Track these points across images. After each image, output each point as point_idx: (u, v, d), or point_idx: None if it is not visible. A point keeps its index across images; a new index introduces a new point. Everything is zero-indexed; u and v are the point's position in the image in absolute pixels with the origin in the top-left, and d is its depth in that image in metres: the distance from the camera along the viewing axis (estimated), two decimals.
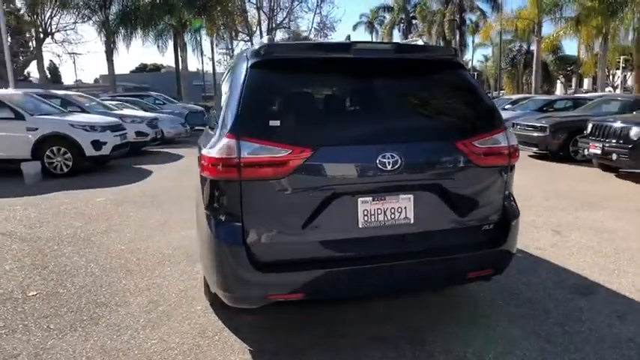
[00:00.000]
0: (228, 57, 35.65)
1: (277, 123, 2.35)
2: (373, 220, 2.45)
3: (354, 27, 51.75)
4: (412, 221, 2.49)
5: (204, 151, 2.49)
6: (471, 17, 37.65)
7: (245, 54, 2.66)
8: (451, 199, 2.55)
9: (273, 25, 29.03)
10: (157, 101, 18.97)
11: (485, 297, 3.29)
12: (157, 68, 60.15)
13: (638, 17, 18.74)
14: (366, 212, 2.44)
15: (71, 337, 2.83)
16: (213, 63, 31.81)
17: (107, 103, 13.28)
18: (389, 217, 2.47)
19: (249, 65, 2.50)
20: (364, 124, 2.51)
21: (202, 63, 36.88)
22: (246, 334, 2.82)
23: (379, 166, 2.38)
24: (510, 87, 32.87)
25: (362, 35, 50.39)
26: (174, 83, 29.11)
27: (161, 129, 12.73)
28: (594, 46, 20.00)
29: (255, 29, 30.04)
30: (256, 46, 2.63)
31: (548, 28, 20.81)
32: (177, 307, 3.21)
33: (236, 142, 2.30)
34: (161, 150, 12.66)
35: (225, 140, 2.32)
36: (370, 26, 52.54)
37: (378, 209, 2.45)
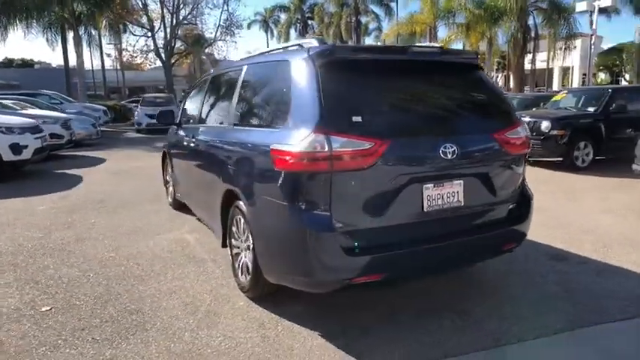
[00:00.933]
0: (128, 53, 33.28)
1: (359, 119, 2.53)
2: (434, 204, 2.75)
3: (249, 25, 51.30)
4: (462, 203, 2.85)
5: (280, 147, 2.58)
6: (363, 20, 39.72)
7: (304, 53, 2.77)
8: (490, 183, 2.96)
9: (176, 21, 27.84)
10: (52, 100, 17.20)
11: (487, 271, 3.77)
12: (26, 64, 53.80)
13: (514, 25, 21.47)
14: (429, 197, 2.73)
15: (127, 345, 2.71)
16: (103, 58, 29.48)
17: (4, 102, 11.79)
18: (445, 201, 2.79)
19: (317, 64, 2.64)
20: (426, 118, 2.82)
21: (102, 59, 33.68)
22: (305, 321, 2.94)
23: (441, 155, 2.69)
24: None
25: (257, 34, 50.33)
26: (51, 81, 26.61)
27: (73, 130, 11.68)
28: (479, 49, 22.57)
29: (158, 24, 28.56)
30: (317, 47, 2.77)
31: (442, 32, 23.25)
32: (219, 306, 3.20)
33: (325, 137, 2.44)
34: (76, 153, 11.62)
35: (314, 135, 2.45)
36: (265, 25, 52.64)
37: (437, 194, 2.76)
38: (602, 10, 20.89)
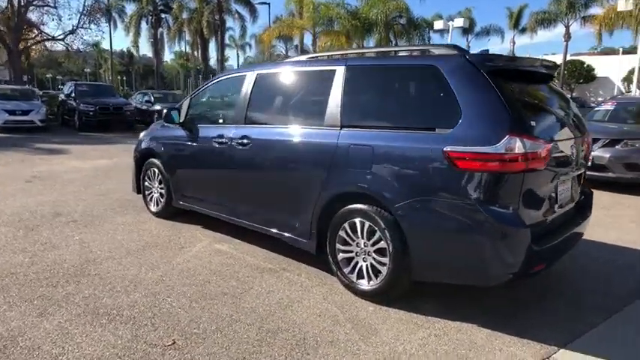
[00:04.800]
0: None
1: (534, 122, 2.77)
2: (561, 197, 3.14)
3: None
4: (571, 197, 3.31)
5: (464, 149, 2.67)
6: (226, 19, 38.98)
7: (460, 59, 2.90)
8: (579, 181, 3.50)
9: (23, 3, 23.32)
10: None
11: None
12: None
13: (381, 36, 23.64)
14: (560, 192, 3.11)
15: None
16: None
17: None
18: (566, 195, 3.21)
19: (483, 70, 2.80)
20: (562, 120, 3.18)
21: None
22: (450, 314, 3.04)
23: (574, 153, 3.11)
24: None
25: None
26: None
27: None
28: None
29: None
30: (473, 53, 2.94)
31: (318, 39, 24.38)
32: (360, 314, 3.09)
33: (520, 140, 2.62)
34: None
35: (512, 138, 2.60)
36: (108, 15, 47.75)
37: (564, 188, 3.16)
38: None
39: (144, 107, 18.93)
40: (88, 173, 8.14)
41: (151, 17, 45.57)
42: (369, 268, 3.23)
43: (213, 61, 42.27)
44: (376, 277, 3.19)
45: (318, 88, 3.68)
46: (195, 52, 53.15)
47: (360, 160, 3.17)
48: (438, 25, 22.06)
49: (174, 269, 3.78)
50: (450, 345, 2.72)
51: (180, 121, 4.73)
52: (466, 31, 37.55)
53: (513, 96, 2.83)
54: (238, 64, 66.08)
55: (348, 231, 3.31)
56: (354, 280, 3.31)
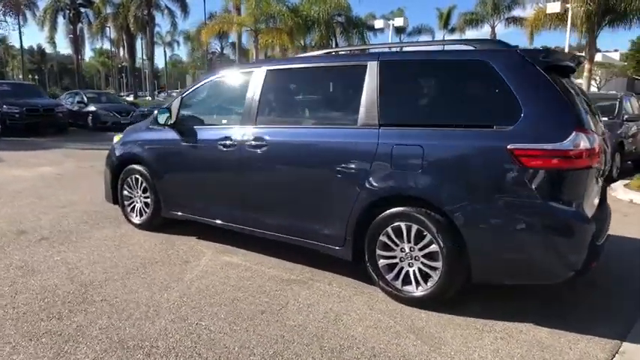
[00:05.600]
0: None
1: (586, 118, 2.76)
2: (596, 192, 3.19)
3: None
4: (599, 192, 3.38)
5: (530, 146, 2.60)
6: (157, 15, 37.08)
7: (515, 55, 2.83)
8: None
9: None
10: None
11: None
12: None
13: (322, 34, 23.66)
14: (596, 190, 3.15)
15: None
16: None
17: None
18: (597, 190, 3.26)
19: (540, 66, 2.75)
20: (593, 115, 3.19)
21: None
22: (505, 316, 2.98)
23: (606, 148, 3.15)
24: None
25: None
26: None
27: None
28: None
29: None
30: (524, 48, 2.88)
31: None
32: (419, 325, 2.93)
33: (586, 135, 2.60)
34: None
35: (580, 134, 2.57)
36: (16, 7, 43.61)
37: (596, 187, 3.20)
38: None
39: (75, 108, 17.48)
40: (35, 183, 7.26)
41: (68, 11, 42.31)
42: (417, 273, 3.08)
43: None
44: (425, 282, 3.05)
45: (344, 84, 3.47)
46: (121, 50, 50.22)
47: (407, 160, 3.01)
48: (379, 24, 22.49)
49: (191, 288, 3.39)
50: (521, 347, 2.64)
51: (172, 122, 4.28)
52: (399, 30, 38.72)
53: (567, 91, 2.81)
54: (165, 63, 63.46)
55: (391, 235, 3.13)
56: (400, 286, 3.15)
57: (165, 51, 57.27)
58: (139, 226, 4.79)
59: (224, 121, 4.18)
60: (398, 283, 3.16)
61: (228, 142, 3.86)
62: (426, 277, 3.05)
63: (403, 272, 3.14)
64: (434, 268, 3.00)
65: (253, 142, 3.70)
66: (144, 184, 4.67)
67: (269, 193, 3.71)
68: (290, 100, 3.85)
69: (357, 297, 3.28)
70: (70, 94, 19.71)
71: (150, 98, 36.14)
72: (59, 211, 5.49)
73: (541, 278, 2.87)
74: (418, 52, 3.42)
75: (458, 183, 2.84)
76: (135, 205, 4.82)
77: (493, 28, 32.93)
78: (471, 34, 33.95)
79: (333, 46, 26.71)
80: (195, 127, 4.20)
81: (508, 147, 2.67)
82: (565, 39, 17.74)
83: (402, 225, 3.07)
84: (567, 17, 17.04)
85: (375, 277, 3.25)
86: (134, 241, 4.44)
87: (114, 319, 2.90)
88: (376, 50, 3.64)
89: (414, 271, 3.10)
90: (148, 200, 4.67)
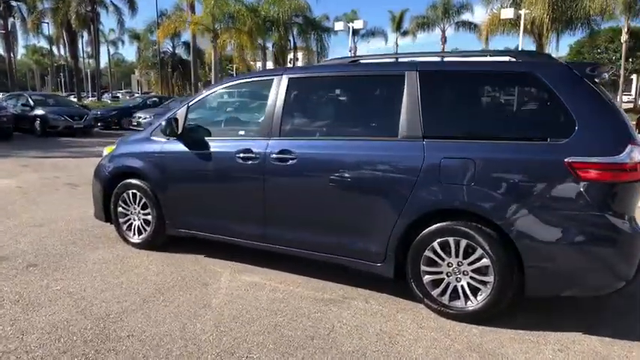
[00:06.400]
0: None
1: (634, 131, 2.80)
2: None
3: None
4: None
5: (588, 160, 2.60)
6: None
7: (565, 68, 2.83)
8: None
9: None
10: None
11: None
12: None
13: (280, 35, 23.46)
14: None
15: None
16: None
17: None
18: None
19: (590, 80, 2.77)
20: None
21: None
22: (554, 327, 2.98)
23: None
24: (160, 87, 33.35)
25: None
26: None
27: None
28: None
29: None
30: (579, 63, 2.88)
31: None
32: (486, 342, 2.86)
33: (638, 148, 2.62)
34: None
35: (631, 147, 2.61)
36: None
37: None
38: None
39: (19, 112, 16.20)
40: None
41: None
42: (466, 288, 3.01)
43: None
44: (475, 296, 2.99)
45: (379, 94, 3.35)
46: (60, 48, 47.28)
47: (457, 174, 2.93)
48: (339, 26, 22.56)
49: (223, 315, 3.15)
50: (581, 359, 2.64)
51: (178, 133, 3.97)
52: (354, 32, 39.15)
53: (614, 104, 2.84)
54: (110, 61, 60.54)
55: (438, 250, 3.05)
56: (447, 302, 3.07)
57: (108, 49, 54.49)
58: (138, 246, 4.43)
59: (241, 133, 3.94)
60: (445, 299, 3.08)
61: (248, 155, 3.63)
62: (474, 291, 3.00)
63: (450, 288, 3.07)
64: (484, 282, 2.95)
65: (279, 155, 3.50)
66: (143, 200, 4.32)
67: (299, 209, 3.52)
68: (318, 111, 3.67)
69: (401, 314, 3.17)
70: (11, 97, 18.25)
71: (94, 99, 34.24)
72: (38, 232, 4.99)
73: (594, 289, 2.88)
74: (459, 63, 3.36)
75: (512, 196, 2.80)
76: (132, 223, 4.46)
77: (444, 31, 34.06)
78: (422, 37, 34.98)
79: (291, 47, 26.57)
80: (206, 138, 3.92)
81: (566, 160, 2.65)
82: (518, 42, 18.56)
83: (451, 240, 2.99)
84: (520, 23, 17.82)
85: (419, 293, 3.16)
86: (137, 263, 4.09)
87: (152, 358, 2.62)
88: (407, 60, 3.54)
89: (462, 285, 3.03)
90: (149, 217, 4.33)
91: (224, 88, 4.12)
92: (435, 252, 3.06)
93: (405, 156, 3.08)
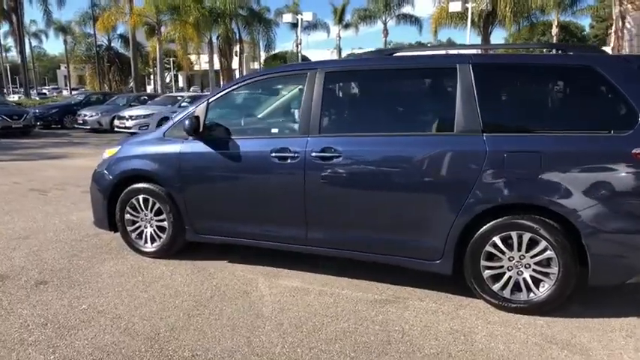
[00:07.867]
0: None
1: None
2: None
3: None
4: None
5: None
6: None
7: (626, 62, 2.93)
8: None
9: None
10: None
11: None
12: None
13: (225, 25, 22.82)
14: None
15: None
16: None
17: None
18: None
19: None
20: None
21: None
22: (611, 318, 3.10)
23: None
24: (96, 83, 31.13)
25: None
26: None
27: None
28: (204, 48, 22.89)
29: None
30: (630, 56, 2.96)
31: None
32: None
33: None
34: None
35: None
36: None
37: None
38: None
39: None
40: None
41: None
42: (529, 281, 3.05)
43: None
44: (537, 288, 3.03)
45: (428, 88, 3.28)
46: None
47: (522, 168, 2.93)
48: (287, 18, 22.27)
49: (283, 324, 2.97)
50: None
51: (199, 132, 3.68)
52: (294, 25, 38.88)
53: None
54: (33, 55, 55.97)
55: (499, 245, 3.05)
56: (508, 296, 3.09)
57: (30, 42, 50.25)
58: (152, 254, 4.09)
59: (274, 131, 3.72)
60: (506, 293, 3.09)
61: (284, 155, 3.44)
62: (536, 283, 3.03)
63: (512, 281, 3.09)
64: (546, 274, 2.99)
65: (322, 154, 3.34)
66: (157, 206, 3.99)
67: (347, 208, 3.38)
68: (359, 106, 3.54)
69: (462, 311, 3.15)
70: None
71: (22, 96, 31.48)
72: (27, 244, 4.47)
73: None
74: (513, 56, 3.36)
75: (579, 188, 2.85)
76: (145, 231, 4.11)
77: (385, 24, 34.63)
78: (364, 30, 35.49)
79: (237, 39, 25.90)
80: (233, 137, 3.67)
81: (633, 151, 2.74)
82: (465, 36, 19.30)
83: (513, 234, 3.00)
84: (467, 16, 18.53)
85: (478, 289, 3.15)
86: (159, 274, 3.78)
87: None
88: (455, 52, 3.50)
89: (524, 278, 3.06)
90: (164, 224, 4.00)
91: (248, 82, 3.87)
92: (495, 246, 3.06)
93: (465, 150, 3.05)
